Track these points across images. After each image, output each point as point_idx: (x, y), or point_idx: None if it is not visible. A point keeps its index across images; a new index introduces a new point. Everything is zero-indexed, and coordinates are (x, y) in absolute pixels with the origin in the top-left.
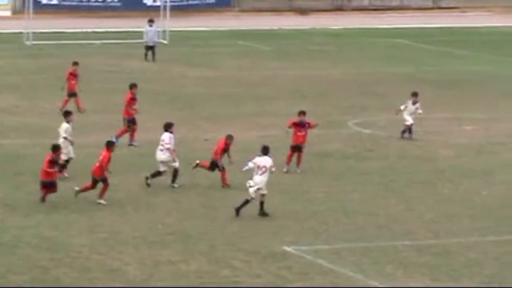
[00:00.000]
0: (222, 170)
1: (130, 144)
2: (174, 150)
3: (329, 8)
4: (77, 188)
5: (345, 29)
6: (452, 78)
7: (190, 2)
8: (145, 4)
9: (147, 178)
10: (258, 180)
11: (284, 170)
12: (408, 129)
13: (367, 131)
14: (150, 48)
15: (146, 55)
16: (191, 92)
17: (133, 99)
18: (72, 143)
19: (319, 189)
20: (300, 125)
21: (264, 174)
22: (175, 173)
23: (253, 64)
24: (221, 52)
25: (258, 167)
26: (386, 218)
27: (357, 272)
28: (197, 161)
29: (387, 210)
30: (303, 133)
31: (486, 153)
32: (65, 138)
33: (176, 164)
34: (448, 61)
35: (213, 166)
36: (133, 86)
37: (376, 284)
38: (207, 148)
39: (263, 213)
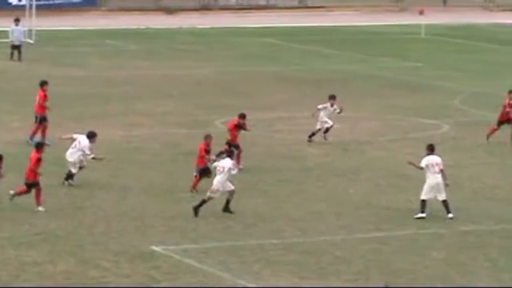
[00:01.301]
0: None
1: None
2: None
3: (196, 7)
4: (12, 192)
5: (212, 28)
6: (319, 77)
7: (56, 2)
8: (10, 3)
9: (64, 183)
10: (215, 181)
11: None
12: (326, 130)
13: None
14: (16, 47)
15: (12, 54)
16: (58, 91)
17: (45, 96)
18: None
19: (186, 189)
20: (241, 127)
21: (221, 175)
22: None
23: (120, 63)
24: (88, 51)
25: (219, 168)
26: (254, 217)
27: (225, 271)
28: (191, 190)
29: (255, 209)
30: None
31: (352, 152)
32: None
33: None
34: (315, 60)
35: (204, 172)
36: (44, 83)
37: (244, 283)
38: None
39: (226, 210)
